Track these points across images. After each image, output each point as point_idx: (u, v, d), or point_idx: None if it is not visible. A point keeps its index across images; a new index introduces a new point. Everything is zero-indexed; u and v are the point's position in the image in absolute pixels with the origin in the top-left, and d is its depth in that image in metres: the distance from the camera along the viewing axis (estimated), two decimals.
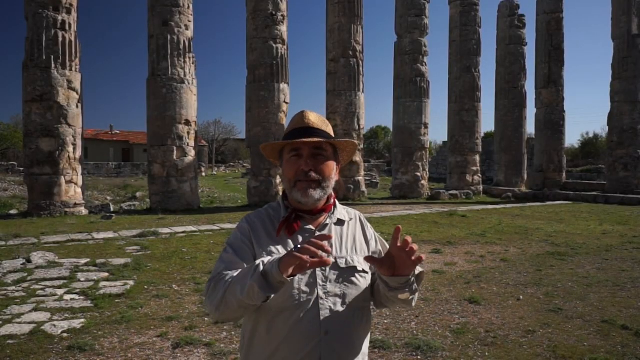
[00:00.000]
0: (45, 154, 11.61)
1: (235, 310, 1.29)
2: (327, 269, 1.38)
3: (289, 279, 1.18)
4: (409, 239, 1.27)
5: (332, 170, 1.45)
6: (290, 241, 1.41)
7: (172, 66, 13.05)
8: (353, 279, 1.41)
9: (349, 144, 1.52)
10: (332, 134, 1.48)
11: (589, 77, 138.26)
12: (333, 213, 1.49)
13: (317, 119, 1.46)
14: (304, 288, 1.35)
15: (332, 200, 1.49)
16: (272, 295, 1.21)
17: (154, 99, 13.13)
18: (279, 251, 1.38)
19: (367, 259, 1.35)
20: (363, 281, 1.43)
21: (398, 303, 1.44)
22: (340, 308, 1.37)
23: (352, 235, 1.50)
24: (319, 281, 1.36)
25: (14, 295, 4.99)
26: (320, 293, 1.35)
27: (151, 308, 4.59)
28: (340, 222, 1.49)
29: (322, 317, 1.34)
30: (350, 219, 1.53)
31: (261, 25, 14.14)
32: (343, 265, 1.41)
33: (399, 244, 1.29)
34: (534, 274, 6.03)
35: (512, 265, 6.54)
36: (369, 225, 1.58)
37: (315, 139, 1.40)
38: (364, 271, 1.44)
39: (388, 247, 1.56)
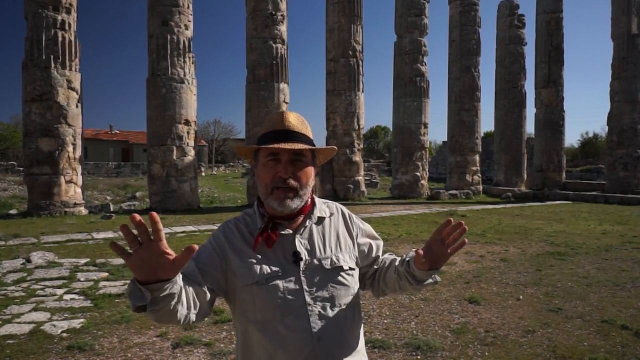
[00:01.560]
0: (45, 154, 11.61)
1: (156, 318, 1.14)
2: (312, 272, 1.33)
3: (158, 284, 1.04)
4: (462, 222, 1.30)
5: (311, 176, 1.39)
6: (270, 253, 1.34)
7: (172, 66, 13.05)
8: (341, 279, 1.36)
9: (330, 150, 1.46)
10: (311, 135, 1.41)
11: (589, 77, 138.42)
12: (312, 213, 1.42)
13: (297, 121, 1.38)
14: (290, 297, 1.29)
15: (309, 201, 1.42)
16: (149, 306, 1.06)
17: (154, 99, 13.13)
18: (257, 264, 1.32)
19: (418, 254, 1.31)
20: (351, 279, 1.39)
21: (410, 291, 1.45)
22: (330, 311, 1.32)
23: (335, 232, 1.44)
24: (305, 287, 1.31)
25: (13, 295, 4.99)
26: (308, 299, 1.30)
27: None
28: (320, 221, 1.43)
29: (312, 324, 1.29)
30: (332, 214, 1.46)
31: (261, 25, 14.14)
32: (328, 267, 1.35)
33: (442, 237, 1.29)
34: (534, 274, 6.02)
35: (512, 265, 6.54)
36: (353, 216, 1.51)
37: (298, 146, 1.32)
38: (351, 269, 1.40)
39: (377, 236, 1.55)
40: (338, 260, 1.38)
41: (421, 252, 1.29)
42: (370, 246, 1.51)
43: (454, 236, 1.29)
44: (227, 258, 1.34)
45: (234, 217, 1.47)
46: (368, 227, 1.54)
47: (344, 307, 1.35)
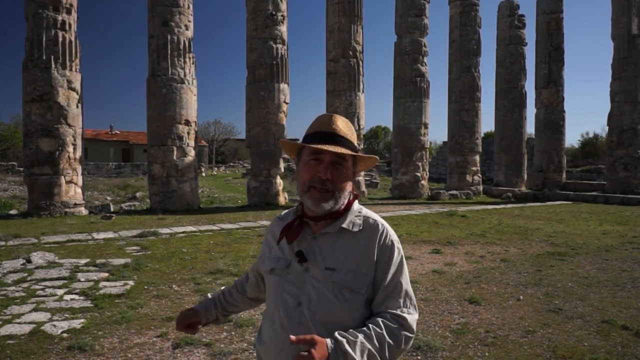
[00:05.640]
0: (45, 154, 11.61)
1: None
2: (313, 278, 1.34)
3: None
4: None
5: (349, 182, 1.39)
6: (287, 248, 1.41)
7: (172, 66, 13.05)
8: (339, 295, 1.32)
9: (371, 159, 1.47)
10: (355, 142, 1.41)
11: (589, 77, 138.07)
12: (338, 220, 1.39)
13: (344, 126, 1.38)
14: (285, 292, 1.38)
15: (342, 207, 1.39)
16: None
17: (154, 99, 13.12)
18: (273, 255, 1.46)
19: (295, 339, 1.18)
20: (352, 299, 1.32)
21: None
22: (317, 324, 1.31)
23: (357, 249, 1.36)
24: (301, 289, 1.35)
25: (14, 295, 4.98)
26: (299, 302, 1.34)
27: (151, 308, 4.59)
28: (343, 231, 1.38)
29: (288, 325, 1.34)
30: (361, 230, 1.38)
31: (261, 25, 14.14)
32: (330, 279, 1.32)
33: None
34: (534, 274, 6.02)
35: (512, 265, 6.54)
36: (389, 242, 1.39)
37: (341, 149, 1.33)
38: (352, 291, 1.32)
39: (392, 270, 1.38)
40: (344, 277, 1.33)
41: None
42: (379, 284, 1.36)
43: None
44: (265, 250, 1.53)
45: (285, 211, 1.58)
46: (394, 267, 1.38)
47: (334, 326, 1.28)
